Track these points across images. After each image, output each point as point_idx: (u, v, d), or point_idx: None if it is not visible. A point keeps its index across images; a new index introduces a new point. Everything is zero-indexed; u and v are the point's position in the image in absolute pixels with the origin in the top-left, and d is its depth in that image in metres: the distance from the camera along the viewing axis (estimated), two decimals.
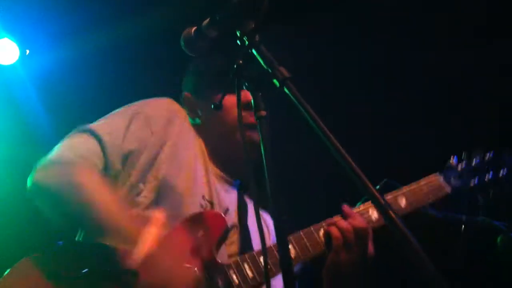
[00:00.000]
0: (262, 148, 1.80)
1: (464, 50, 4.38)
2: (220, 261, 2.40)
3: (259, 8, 1.91)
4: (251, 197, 2.77)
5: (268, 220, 2.76)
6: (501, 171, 2.78)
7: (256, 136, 2.33)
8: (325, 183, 4.38)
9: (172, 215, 2.32)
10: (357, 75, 4.71)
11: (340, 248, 2.46)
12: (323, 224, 2.57)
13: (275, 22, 1.92)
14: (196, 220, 2.43)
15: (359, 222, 2.49)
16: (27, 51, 4.76)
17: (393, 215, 1.52)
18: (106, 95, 2.63)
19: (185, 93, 2.79)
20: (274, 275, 2.41)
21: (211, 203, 2.56)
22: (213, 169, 2.67)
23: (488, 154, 2.83)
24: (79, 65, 4.51)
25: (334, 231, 2.49)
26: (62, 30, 4.60)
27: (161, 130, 2.53)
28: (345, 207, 2.56)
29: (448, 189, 2.79)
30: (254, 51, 1.85)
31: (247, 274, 2.41)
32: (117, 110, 2.63)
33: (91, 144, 2.43)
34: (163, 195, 2.46)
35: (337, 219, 2.55)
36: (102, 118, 2.59)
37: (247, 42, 1.88)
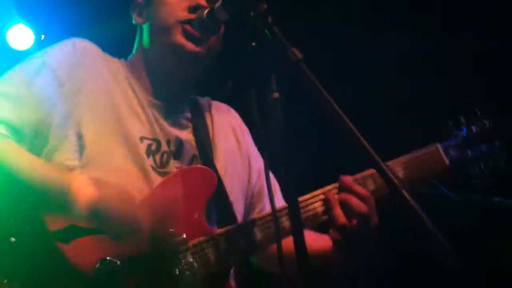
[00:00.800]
0: (276, 131, 1.80)
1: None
2: (211, 228, 2.29)
3: None
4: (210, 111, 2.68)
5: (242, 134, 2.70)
6: (496, 143, 2.67)
7: (190, 45, 2.38)
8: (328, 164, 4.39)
9: (109, 171, 2.22)
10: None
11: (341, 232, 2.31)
12: (319, 195, 2.38)
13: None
14: (179, 179, 2.30)
15: (359, 206, 2.30)
16: (42, 36, 4.78)
17: (408, 197, 1.52)
18: None
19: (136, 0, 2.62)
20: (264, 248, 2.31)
21: (156, 141, 2.40)
22: (154, 104, 2.47)
23: (486, 122, 2.70)
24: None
25: (335, 206, 2.31)
26: (77, 14, 4.60)
27: (70, 79, 2.32)
28: (344, 178, 2.37)
29: (447, 162, 2.64)
30: (266, 33, 1.85)
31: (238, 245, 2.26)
32: (17, 68, 2.38)
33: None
34: (91, 153, 2.26)
35: (334, 200, 2.34)
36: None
37: (259, 24, 1.87)
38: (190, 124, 2.56)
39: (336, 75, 4.50)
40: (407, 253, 4.52)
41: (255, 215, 2.59)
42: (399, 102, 4.64)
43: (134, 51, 2.61)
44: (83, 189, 2.02)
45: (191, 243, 2.19)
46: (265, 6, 1.88)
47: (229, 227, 2.28)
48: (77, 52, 2.39)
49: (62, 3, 4.62)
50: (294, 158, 1.76)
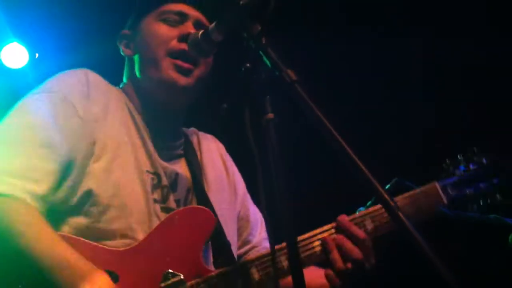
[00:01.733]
0: (270, 152, 1.79)
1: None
2: (208, 267, 2.28)
3: (265, 11, 1.90)
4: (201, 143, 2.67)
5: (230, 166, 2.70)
6: (494, 180, 2.64)
7: (182, 79, 2.38)
8: (333, 185, 4.37)
9: (116, 204, 2.21)
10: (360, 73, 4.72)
11: (343, 260, 2.28)
12: (317, 234, 2.36)
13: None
14: (179, 219, 2.28)
15: (358, 232, 2.31)
16: (37, 55, 4.78)
17: (403, 217, 1.51)
18: None
19: (123, 31, 2.60)
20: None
21: (157, 175, 2.37)
22: (149, 134, 2.43)
23: (484, 159, 2.69)
24: (89, 69, 4.52)
25: (333, 249, 2.29)
26: (71, 33, 4.61)
27: (86, 111, 2.27)
28: (341, 219, 2.36)
29: (444, 200, 2.61)
30: (261, 54, 1.85)
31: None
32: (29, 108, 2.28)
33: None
34: (102, 183, 2.22)
35: (331, 233, 2.34)
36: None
37: (254, 45, 1.87)
38: (183, 158, 2.56)
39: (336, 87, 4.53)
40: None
41: (242, 242, 2.61)
42: (397, 137, 4.62)
43: (125, 80, 2.59)
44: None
45: (189, 283, 2.17)
46: (259, 27, 1.88)
47: (226, 268, 2.26)
48: (90, 84, 2.34)
49: (56, 21, 4.62)
50: (291, 184, 1.74)
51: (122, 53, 2.59)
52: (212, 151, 2.70)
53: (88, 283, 1.90)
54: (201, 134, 2.75)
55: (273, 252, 2.00)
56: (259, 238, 2.65)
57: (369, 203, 2.69)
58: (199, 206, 2.40)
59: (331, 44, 4.62)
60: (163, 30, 2.43)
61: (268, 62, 1.83)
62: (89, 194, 2.21)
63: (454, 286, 1.50)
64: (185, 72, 2.39)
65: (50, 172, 2.14)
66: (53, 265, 1.94)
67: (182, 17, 2.47)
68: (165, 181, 2.39)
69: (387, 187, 3.05)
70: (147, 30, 2.48)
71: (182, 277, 2.15)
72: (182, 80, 2.39)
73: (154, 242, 2.21)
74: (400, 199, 2.51)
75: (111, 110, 2.36)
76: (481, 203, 2.67)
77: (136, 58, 2.51)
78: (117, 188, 2.24)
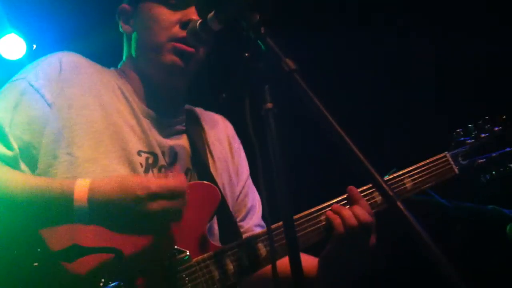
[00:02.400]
0: (270, 141, 1.80)
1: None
2: (214, 243, 2.27)
3: (265, 0, 1.90)
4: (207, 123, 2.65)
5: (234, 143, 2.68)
6: (507, 148, 2.68)
7: (182, 63, 2.36)
8: (332, 175, 4.37)
9: None
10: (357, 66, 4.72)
11: (342, 238, 2.30)
12: (327, 208, 2.39)
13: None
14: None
15: (363, 214, 2.29)
16: (34, 46, 4.76)
17: (401, 207, 1.52)
18: None
19: (122, 5, 2.54)
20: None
21: (153, 154, 2.34)
22: (147, 113, 2.41)
23: (496, 128, 2.71)
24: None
25: (336, 221, 2.30)
26: (68, 24, 4.59)
27: (58, 97, 2.23)
28: (352, 189, 2.39)
29: (456, 170, 2.66)
30: (260, 43, 1.85)
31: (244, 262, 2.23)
32: (1, 93, 2.28)
33: None
34: (85, 174, 2.16)
35: (340, 206, 2.36)
36: None
37: (253, 35, 1.87)
38: (185, 134, 2.53)
39: (340, 83, 4.53)
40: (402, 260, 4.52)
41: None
42: (407, 110, 4.63)
43: (124, 58, 2.57)
44: (81, 184, 1.99)
45: (195, 259, 2.17)
46: (258, 16, 1.88)
47: (233, 244, 2.26)
48: (64, 68, 2.30)
49: (54, 12, 4.61)
50: (291, 170, 1.75)
51: (120, 29, 2.55)
52: (219, 130, 2.68)
53: (75, 188, 1.97)
54: (209, 113, 2.73)
55: (269, 230, 1.98)
56: (250, 225, 2.64)
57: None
58: (204, 182, 2.35)
59: (331, 37, 4.63)
60: (165, 15, 2.38)
61: (267, 51, 1.83)
62: None
63: (455, 279, 1.50)
64: (186, 56, 2.37)
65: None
66: (25, 197, 2.00)
67: (185, 1, 2.40)
68: (162, 159, 2.36)
69: (385, 177, 3.06)
70: (148, 11, 2.42)
71: (188, 253, 2.14)
72: (181, 63, 2.37)
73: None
74: (408, 170, 2.57)
75: (94, 93, 2.32)
76: (493, 173, 2.68)
77: (135, 36, 2.48)
78: (101, 173, 2.20)
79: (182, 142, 2.50)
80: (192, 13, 2.36)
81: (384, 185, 1.59)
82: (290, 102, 1.86)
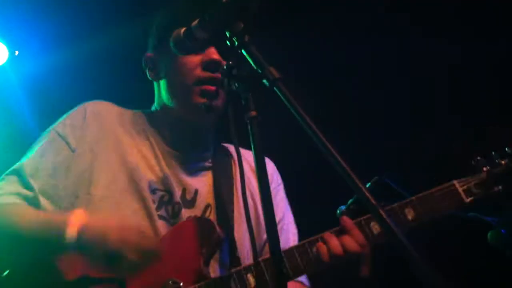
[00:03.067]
0: (253, 148, 1.80)
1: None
2: (211, 274, 2.33)
3: (248, 9, 1.91)
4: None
5: (254, 187, 2.63)
6: None
7: (211, 103, 2.41)
8: (316, 182, 4.38)
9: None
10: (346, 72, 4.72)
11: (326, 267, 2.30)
12: (318, 238, 2.36)
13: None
14: (182, 230, 2.36)
15: (351, 244, 2.29)
16: (16, 52, 4.73)
17: (384, 215, 1.52)
18: (96, 96, 2.61)
19: (147, 54, 2.63)
20: None
21: (169, 192, 2.44)
22: (168, 152, 2.51)
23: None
24: (68, 66, 4.49)
25: (323, 250, 2.31)
26: (51, 31, 4.57)
27: (81, 142, 2.45)
28: (344, 219, 2.36)
29: (467, 200, 2.52)
30: (244, 52, 1.86)
31: None
32: (37, 143, 2.53)
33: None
34: (99, 210, 2.34)
35: (330, 235, 2.34)
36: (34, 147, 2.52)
37: (236, 43, 1.88)
38: (210, 171, 2.58)
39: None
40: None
41: None
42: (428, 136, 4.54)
43: (156, 104, 2.63)
44: (77, 216, 2.14)
45: None
46: (242, 25, 1.88)
47: (222, 274, 2.33)
48: (88, 116, 2.49)
49: (36, 19, 4.58)
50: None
51: (149, 77, 2.63)
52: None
53: (69, 223, 2.11)
54: (245, 150, 2.72)
55: (256, 262, 2.09)
56: None
57: (350, 201, 2.71)
58: (202, 217, 2.45)
59: (317, 43, 4.63)
60: (188, 59, 2.44)
61: (250, 60, 1.84)
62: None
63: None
64: (212, 96, 2.42)
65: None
66: (32, 229, 2.21)
67: (204, 43, 2.40)
68: (177, 197, 2.45)
69: (368, 185, 3.06)
70: (175, 59, 2.47)
71: (181, 284, 2.22)
72: (211, 103, 2.42)
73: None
74: (412, 199, 2.46)
75: (113, 136, 2.48)
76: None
77: (163, 83, 2.56)
78: (115, 209, 2.35)
79: (205, 178, 2.56)
80: (212, 53, 2.41)
81: (366, 193, 1.59)
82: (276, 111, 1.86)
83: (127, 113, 2.60)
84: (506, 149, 2.60)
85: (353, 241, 2.29)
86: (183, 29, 2.18)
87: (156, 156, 2.50)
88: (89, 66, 2.53)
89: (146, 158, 2.48)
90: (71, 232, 2.10)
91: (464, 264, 4.31)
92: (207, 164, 2.60)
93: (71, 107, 2.58)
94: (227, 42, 1.91)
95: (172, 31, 2.14)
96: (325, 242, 2.32)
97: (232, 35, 1.89)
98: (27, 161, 2.45)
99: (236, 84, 1.90)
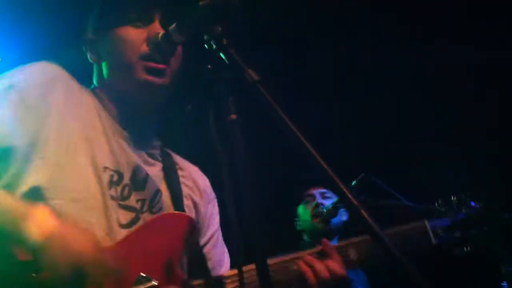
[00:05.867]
0: (234, 152, 1.79)
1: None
2: (183, 275, 2.28)
3: (226, 12, 1.90)
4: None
5: (197, 179, 2.62)
6: (485, 228, 2.65)
7: (157, 80, 2.35)
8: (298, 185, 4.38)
9: (70, 200, 2.16)
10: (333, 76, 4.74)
11: None
12: (296, 259, 2.42)
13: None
14: (160, 224, 2.28)
15: (337, 268, 2.36)
16: None
17: (366, 215, 1.52)
18: None
19: (88, 36, 2.51)
20: None
21: (118, 173, 2.32)
22: (119, 132, 2.41)
23: (477, 206, 2.71)
24: None
25: (308, 273, 2.35)
26: (33, 38, 4.57)
27: (38, 102, 2.24)
28: (325, 242, 2.44)
29: (433, 240, 2.63)
30: (222, 55, 1.85)
31: None
32: None
33: None
34: (53, 178, 2.17)
35: (313, 258, 2.40)
36: None
37: (215, 46, 1.86)
38: (160, 160, 2.52)
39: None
40: None
41: None
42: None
43: (95, 83, 2.53)
44: (43, 219, 1.94)
45: None
46: (220, 28, 1.87)
47: (200, 280, 2.29)
48: (48, 76, 2.31)
49: (18, 26, 4.58)
50: (258, 186, 1.74)
51: (89, 60, 2.53)
52: (195, 177, 2.64)
53: (30, 223, 1.90)
54: (184, 160, 2.69)
55: (240, 272, 1.99)
56: None
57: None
58: (183, 213, 2.39)
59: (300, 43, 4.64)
60: (132, 34, 2.37)
61: (229, 63, 1.83)
62: (36, 190, 2.14)
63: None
64: (159, 73, 2.35)
65: None
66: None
67: (149, 17, 2.39)
68: (127, 179, 2.33)
69: (353, 183, 3.07)
70: (115, 35, 2.40)
71: (155, 282, 2.13)
72: (157, 81, 2.35)
73: (131, 245, 2.18)
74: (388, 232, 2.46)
75: (72, 105, 2.32)
76: (467, 249, 2.67)
77: (105, 64, 2.46)
78: (70, 183, 2.19)
79: (156, 169, 2.49)
80: (157, 28, 2.34)
81: (347, 192, 1.59)
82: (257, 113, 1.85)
83: (80, 87, 2.44)
84: (461, 196, 2.78)
85: (337, 264, 2.34)
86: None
87: (106, 134, 2.37)
88: (71, 72, 2.52)
89: (97, 134, 2.35)
90: (36, 236, 1.90)
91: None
92: (157, 153, 2.53)
93: None
94: (205, 45, 1.89)
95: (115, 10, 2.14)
96: (310, 265, 2.35)
97: (210, 39, 1.87)
98: None
99: (216, 88, 1.89)
